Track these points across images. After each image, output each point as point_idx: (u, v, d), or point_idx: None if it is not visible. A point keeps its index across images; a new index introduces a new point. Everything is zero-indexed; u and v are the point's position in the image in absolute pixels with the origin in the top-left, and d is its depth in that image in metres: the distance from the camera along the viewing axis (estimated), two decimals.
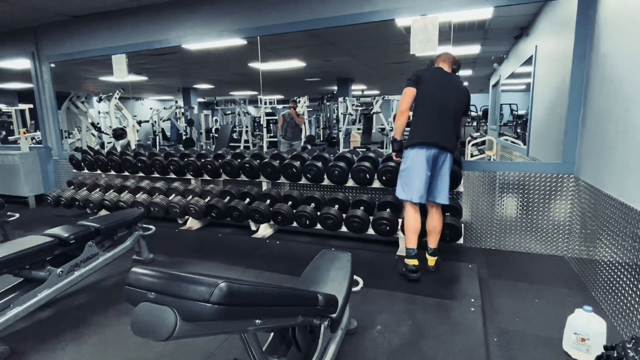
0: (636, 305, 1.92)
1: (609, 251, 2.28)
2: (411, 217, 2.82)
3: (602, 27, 2.63)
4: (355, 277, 2.02)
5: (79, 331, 2.16)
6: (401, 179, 2.86)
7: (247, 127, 10.03)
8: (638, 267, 1.91)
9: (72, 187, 4.87)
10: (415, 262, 2.73)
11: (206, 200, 4.05)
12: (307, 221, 3.57)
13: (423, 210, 2.91)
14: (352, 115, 9.53)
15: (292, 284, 1.91)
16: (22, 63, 5.46)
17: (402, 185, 2.84)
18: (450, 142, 2.75)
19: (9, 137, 9.42)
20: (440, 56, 2.89)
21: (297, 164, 3.73)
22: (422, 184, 2.72)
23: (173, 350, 1.95)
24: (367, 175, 3.44)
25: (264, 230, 3.91)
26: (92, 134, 7.28)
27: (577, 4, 2.85)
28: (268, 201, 3.86)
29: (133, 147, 6.29)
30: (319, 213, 3.53)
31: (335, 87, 11.16)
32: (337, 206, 3.58)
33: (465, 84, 11.81)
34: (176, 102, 11.59)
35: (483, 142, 6.97)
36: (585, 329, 1.83)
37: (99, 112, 7.75)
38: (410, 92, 2.73)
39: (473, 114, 9.87)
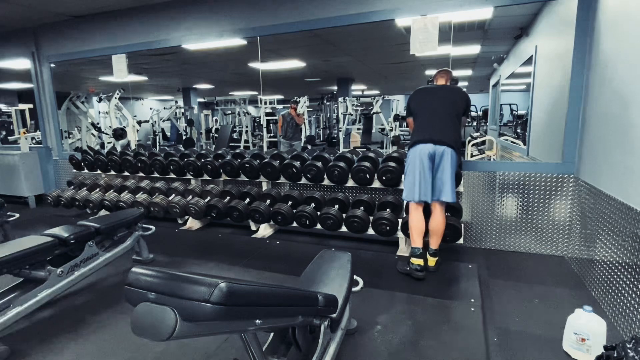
0: (636, 305, 1.92)
1: (608, 251, 2.28)
2: (414, 218, 2.85)
3: (602, 27, 2.63)
4: (355, 277, 2.02)
5: (79, 331, 2.16)
6: (404, 181, 2.96)
7: (247, 127, 10.02)
8: (638, 267, 1.91)
9: (72, 187, 4.87)
10: (420, 261, 2.74)
11: (206, 200, 4.05)
12: (307, 221, 3.57)
13: (427, 211, 2.92)
14: (352, 115, 9.53)
15: (292, 284, 1.91)
16: (22, 63, 5.46)
17: (405, 186, 2.92)
18: (446, 137, 2.77)
19: (9, 137, 9.41)
20: (439, 72, 3.08)
21: (297, 164, 3.73)
22: (421, 182, 2.75)
23: (173, 350, 1.95)
24: (367, 175, 3.44)
25: (264, 230, 3.91)
26: (92, 134, 7.28)
27: (577, 4, 2.85)
28: (268, 201, 3.86)
29: (133, 147, 6.29)
30: (319, 213, 3.53)
31: (335, 87, 11.16)
32: (337, 206, 3.58)
33: (465, 84, 11.75)
34: (176, 102, 11.58)
35: (483, 142, 6.97)
36: (585, 329, 1.83)
37: (99, 112, 7.74)
38: (410, 120, 3.09)
39: (473, 114, 9.87)
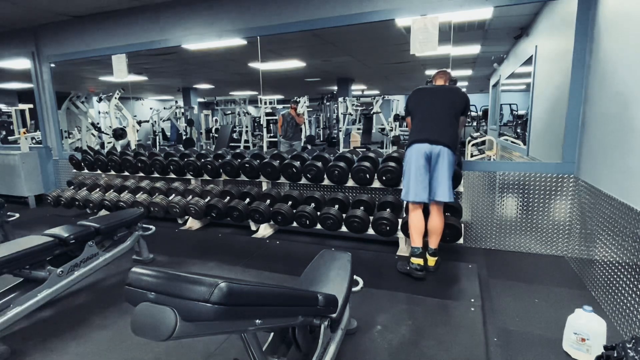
0: (636, 305, 1.92)
1: (608, 251, 2.28)
2: (413, 218, 2.86)
3: (602, 27, 2.63)
4: (355, 277, 2.02)
5: (79, 331, 2.16)
6: (402, 180, 2.98)
7: (247, 127, 10.02)
8: (638, 267, 1.91)
9: (72, 187, 4.87)
10: (420, 261, 2.75)
11: (206, 200, 4.05)
12: (307, 221, 3.57)
13: (426, 211, 2.92)
14: (352, 115, 9.53)
15: (292, 284, 1.91)
16: (22, 63, 5.46)
17: (403, 185, 2.94)
18: (442, 137, 2.77)
19: (9, 137, 9.41)
20: (438, 73, 3.08)
21: (297, 164, 3.73)
22: (418, 182, 2.76)
23: (173, 350, 1.95)
24: (367, 175, 3.44)
25: (264, 230, 3.91)
26: (92, 134, 7.27)
27: (577, 4, 2.85)
28: (268, 201, 3.86)
29: (133, 147, 6.29)
30: (319, 213, 3.53)
31: (335, 87, 11.16)
32: (337, 206, 3.58)
33: (465, 84, 11.72)
34: (176, 102, 11.58)
35: (483, 142, 6.97)
36: (585, 329, 1.83)
37: (99, 112, 7.74)
38: (409, 120, 3.08)
39: (473, 114, 9.88)
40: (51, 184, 5.56)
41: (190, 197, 4.16)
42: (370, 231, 3.38)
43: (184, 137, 10.79)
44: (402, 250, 3.32)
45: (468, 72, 9.13)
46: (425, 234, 2.89)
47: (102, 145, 7.28)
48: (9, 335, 2.09)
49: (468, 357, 1.87)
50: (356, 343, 1.99)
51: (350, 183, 3.57)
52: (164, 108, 11.25)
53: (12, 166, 5.28)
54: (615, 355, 1.25)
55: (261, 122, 9.32)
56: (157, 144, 10.52)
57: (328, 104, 10.67)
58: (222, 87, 12.35)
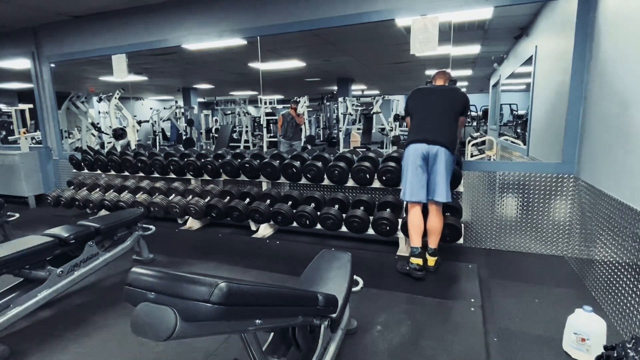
0: (636, 305, 1.92)
1: (608, 251, 2.28)
2: (412, 218, 2.87)
3: (602, 27, 2.63)
4: (355, 277, 2.02)
5: (79, 331, 2.16)
6: (401, 180, 2.99)
7: (247, 127, 10.02)
8: (638, 267, 1.91)
9: (72, 187, 4.87)
10: (419, 261, 2.75)
11: (206, 200, 4.05)
12: (307, 221, 3.57)
13: (425, 211, 2.92)
14: (352, 115, 9.53)
15: (292, 284, 1.91)
16: (22, 63, 5.46)
17: (402, 185, 2.95)
18: (440, 137, 2.77)
19: (9, 137, 9.40)
20: (438, 73, 3.09)
21: (297, 164, 3.73)
22: (415, 182, 2.78)
23: (173, 350, 1.95)
24: (367, 175, 3.44)
25: (264, 230, 3.91)
26: (92, 134, 7.27)
27: (577, 4, 2.85)
28: (268, 201, 3.86)
29: (133, 147, 6.29)
30: (319, 213, 3.53)
31: (335, 87, 11.16)
32: (337, 206, 3.58)
33: (465, 84, 11.70)
34: (176, 102, 11.58)
35: (483, 142, 6.97)
36: (585, 329, 1.83)
37: (99, 112, 7.74)
38: (408, 120, 3.09)
39: (473, 114, 9.87)
40: (51, 184, 5.56)
41: (190, 197, 4.16)
42: (370, 231, 3.38)
43: (184, 137, 10.79)
44: (402, 250, 3.32)
45: (468, 72, 9.13)
46: (425, 234, 2.89)
47: (102, 145, 7.28)
48: (9, 335, 2.09)
49: (468, 357, 1.87)
50: (356, 343, 1.99)
51: (350, 183, 3.57)
52: (164, 108, 11.24)
53: (12, 166, 5.28)
54: (615, 355, 1.25)
55: (261, 122, 9.31)
56: (157, 144, 10.52)
57: (328, 104, 10.66)
58: (222, 87, 12.35)
